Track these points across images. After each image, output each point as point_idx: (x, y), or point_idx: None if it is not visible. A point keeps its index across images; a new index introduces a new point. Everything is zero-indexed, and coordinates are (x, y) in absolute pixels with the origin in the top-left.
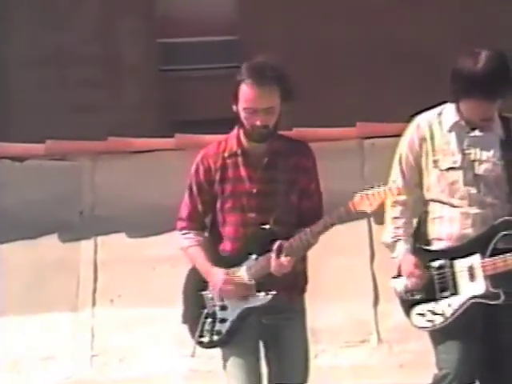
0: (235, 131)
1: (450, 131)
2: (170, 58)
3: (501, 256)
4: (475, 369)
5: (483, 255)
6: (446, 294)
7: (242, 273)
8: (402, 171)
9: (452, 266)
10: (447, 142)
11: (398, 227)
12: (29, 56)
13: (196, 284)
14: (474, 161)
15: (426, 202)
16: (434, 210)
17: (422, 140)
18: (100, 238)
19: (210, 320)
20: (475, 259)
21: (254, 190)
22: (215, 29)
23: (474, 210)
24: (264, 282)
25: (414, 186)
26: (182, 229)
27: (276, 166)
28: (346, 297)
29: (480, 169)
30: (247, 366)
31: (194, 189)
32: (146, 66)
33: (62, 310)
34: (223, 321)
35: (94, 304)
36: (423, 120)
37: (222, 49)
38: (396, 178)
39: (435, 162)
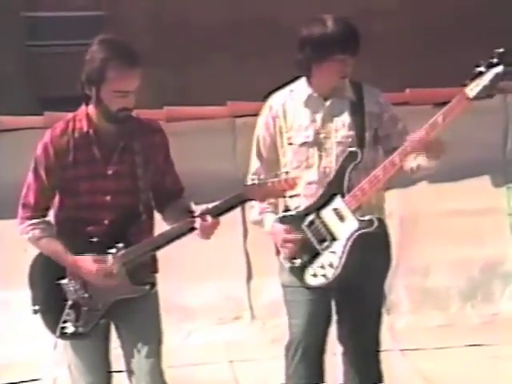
0: (83, 109)
1: (304, 106)
2: (36, 33)
3: (355, 188)
4: (326, 329)
5: (342, 194)
6: (325, 244)
7: (112, 261)
8: (260, 152)
9: (320, 217)
10: (300, 118)
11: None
12: None
13: (48, 272)
14: (329, 131)
15: None
16: None
17: (276, 119)
18: None
19: (73, 311)
20: (337, 201)
21: (110, 172)
22: (81, 4)
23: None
24: (132, 269)
25: (272, 166)
26: (28, 218)
27: (132, 148)
28: (219, 274)
29: (337, 137)
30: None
31: (42, 172)
32: (11, 41)
33: None
34: (89, 311)
35: None
36: (276, 100)
37: (89, 24)
38: (254, 159)
39: (289, 138)
